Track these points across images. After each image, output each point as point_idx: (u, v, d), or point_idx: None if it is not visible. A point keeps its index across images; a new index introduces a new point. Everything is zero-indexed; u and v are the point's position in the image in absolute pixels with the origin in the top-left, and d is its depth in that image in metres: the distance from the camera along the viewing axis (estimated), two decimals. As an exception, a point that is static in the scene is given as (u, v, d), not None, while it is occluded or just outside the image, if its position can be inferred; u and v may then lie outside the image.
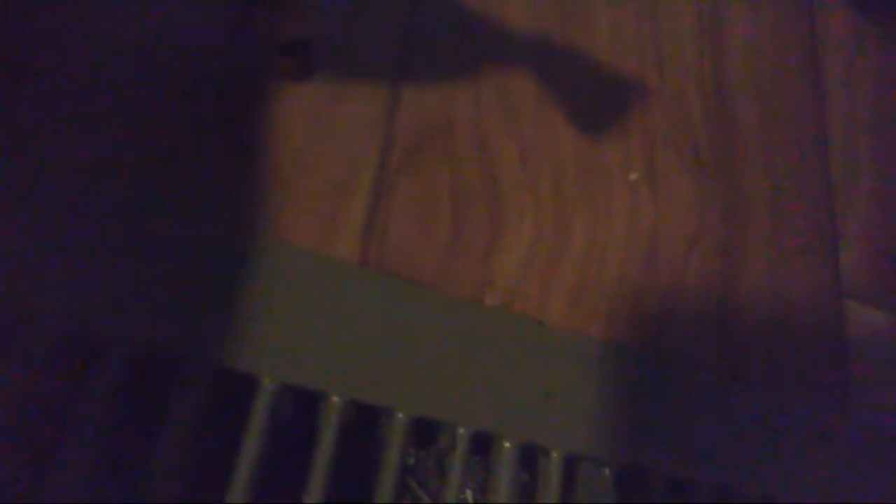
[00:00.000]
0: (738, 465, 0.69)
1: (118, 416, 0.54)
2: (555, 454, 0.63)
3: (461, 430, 0.62)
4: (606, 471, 0.65)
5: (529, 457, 0.65)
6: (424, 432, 0.64)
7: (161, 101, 0.61)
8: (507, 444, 0.63)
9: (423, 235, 0.66)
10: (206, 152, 0.61)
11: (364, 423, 0.63)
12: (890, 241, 0.89)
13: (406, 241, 0.65)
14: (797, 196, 0.87)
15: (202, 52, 0.64)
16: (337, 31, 0.70)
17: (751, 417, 0.71)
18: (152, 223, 0.57)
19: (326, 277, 0.61)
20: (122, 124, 0.59)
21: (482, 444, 0.63)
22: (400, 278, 0.64)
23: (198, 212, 0.59)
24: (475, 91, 0.74)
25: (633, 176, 0.78)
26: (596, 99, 0.80)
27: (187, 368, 0.55)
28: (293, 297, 0.59)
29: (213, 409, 0.57)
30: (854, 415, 0.76)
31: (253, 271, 0.59)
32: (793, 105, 0.92)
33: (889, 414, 0.78)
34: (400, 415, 0.60)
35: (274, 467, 0.58)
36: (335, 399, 0.58)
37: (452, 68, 0.73)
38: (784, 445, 0.71)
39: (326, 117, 0.66)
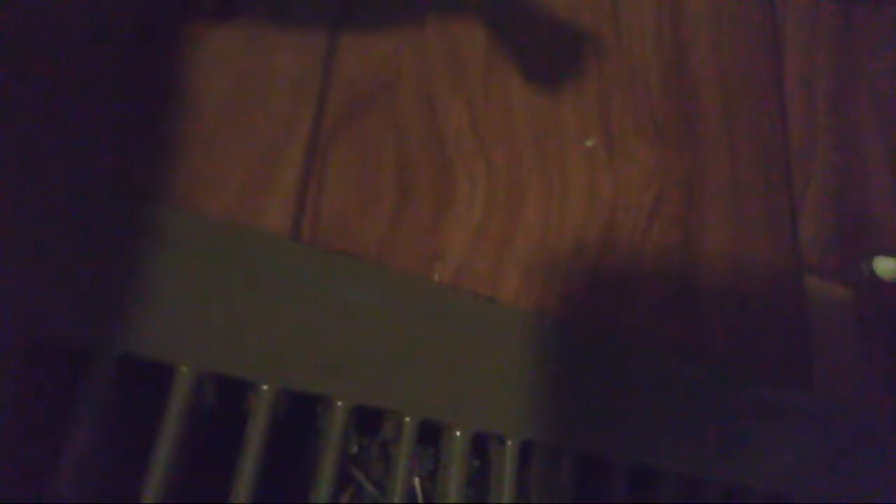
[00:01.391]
0: (704, 450, 0.65)
1: (21, 415, 0.47)
2: (510, 442, 0.59)
3: (407, 419, 0.56)
4: (564, 459, 0.61)
5: (481, 442, 0.60)
6: (368, 420, 0.59)
7: (64, 47, 0.53)
8: (457, 433, 0.57)
9: (364, 205, 0.60)
10: (113, 108, 0.53)
11: (300, 412, 0.57)
12: (848, 214, 0.87)
13: (344, 211, 0.59)
14: (756, 168, 0.84)
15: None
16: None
17: (714, 399, 0.68)
18: (47, 192, 0.49)
19: (253, 252, 0.54)
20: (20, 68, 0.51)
21: (431, 432, 0.58)
22: (337, 252, 0.58)
23: (102, 179, 0.52)
24: (421, 46, 0.67)
25: (589, 143, 0.73)
26: (550, 58, 0.75)
27: (91, 360, 0.48)
28: (215, 275, 0.52)
29: (128, 403, 0.50)
30: (818, 392, 0.74)
31: (169, 247, 0.52)
32: (752, 75, 0.89)
33: (852, 390, 0.76)
34: (339, 403, 0.54)
35: (200, 463, 0.52)
36: (265, 388, 0.52)
37: (397, 20, 0.67)
38: (749, 427, 0.68)
39: (254, 71, 0.59)
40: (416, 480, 0.61)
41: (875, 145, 0.94)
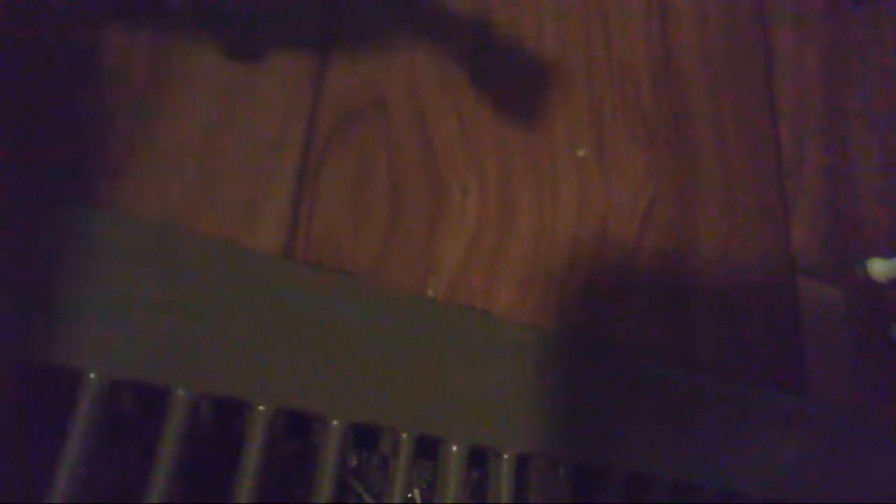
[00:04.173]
0: (700, 458, 0.65)
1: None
2: (506, 455, 0.59)
3: (404, 435, 0.56)
4: (561, 470, 0.61)
5: (480, 454, 0.60)
6: (365, 435, 0.59)
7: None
8: (454, 448, 0.57)
9: (357, 221, 0.60)
10: (100, 129, 0.53)
11: (296, 430, 0.57)
12: (840, 216, 0.87)
13: (337, 228, 0.59)
14: (748, 171, 0.84)
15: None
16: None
17: (709, 407, 0.68)
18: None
19: (244, 272, 0.54)
20: None
21: (428, 446, 0.58)
22: (330, 269, 0.58)
23: (83, 193, 0.52)
24: (410, 62, 0.67)
25: (581, 152, 0.73)
26: (539, 70, 0.75)
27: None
28: (205, 295, 0.52)
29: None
30: (812, 397, 0.74)
31: (157, 266, 0.52)
32: (742, 79, 0.89)
33: (846, 392, 0.76)
34: (335, 422, 0.54)
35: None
36: (261, 409, 0.52)
37: (385, 36, 0.67)
38: (745, 434, 0.68)
39: (242, 92, 0.59)
40: (416, 491, 0.61)
41: (866, 146, 0.94)
